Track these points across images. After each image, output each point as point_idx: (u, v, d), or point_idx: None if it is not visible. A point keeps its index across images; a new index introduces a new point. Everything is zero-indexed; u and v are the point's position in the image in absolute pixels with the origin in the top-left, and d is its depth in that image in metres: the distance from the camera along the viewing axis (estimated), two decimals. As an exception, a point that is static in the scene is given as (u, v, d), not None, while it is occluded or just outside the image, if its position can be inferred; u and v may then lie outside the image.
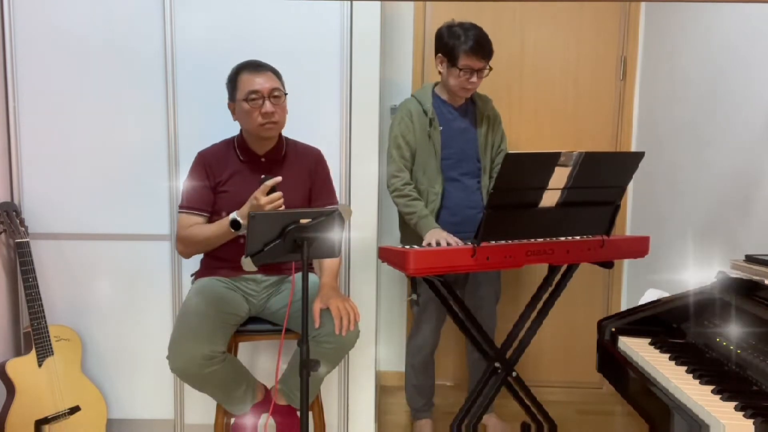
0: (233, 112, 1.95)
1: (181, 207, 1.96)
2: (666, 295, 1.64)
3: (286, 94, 1.93)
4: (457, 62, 2.13)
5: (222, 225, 1.84)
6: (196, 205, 1.94)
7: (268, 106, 1.86)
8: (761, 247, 1.86)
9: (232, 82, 1.92)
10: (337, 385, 2.39)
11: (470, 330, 1.99)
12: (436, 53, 2.22)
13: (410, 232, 2.31)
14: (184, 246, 1.94)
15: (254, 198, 1.72)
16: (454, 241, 2.01)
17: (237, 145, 2.00)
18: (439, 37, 2.20)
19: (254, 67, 1.90)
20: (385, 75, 2.71)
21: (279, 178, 1.74)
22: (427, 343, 2.40)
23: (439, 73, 2.26)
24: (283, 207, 1.74)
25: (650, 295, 1.68)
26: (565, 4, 2.76)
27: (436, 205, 2.24)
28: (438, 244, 2.01)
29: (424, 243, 2.08)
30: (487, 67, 2.17)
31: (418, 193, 2.23)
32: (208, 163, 1.97)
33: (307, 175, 2.04)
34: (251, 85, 1.86)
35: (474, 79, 2.16)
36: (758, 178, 1.91)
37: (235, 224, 1.79)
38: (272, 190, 1.73)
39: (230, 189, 1.95)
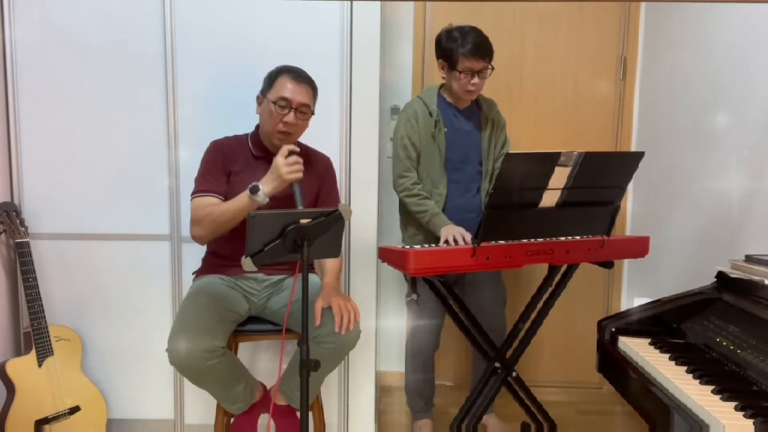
0: (259, 104, 1.96)
1: (195, 193, 1.92)
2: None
3: (313, 113, 1.94)
4: (456, 66, 2.13)
5: (240, 197, 1.81)
6: (212, 187, 1.92)
7: (291, 117, 1.87)
8: (761, 247, 1.86)
9: (271, 79, 1.92)
10: (337, 385, 2.39)
11: (470, 330, 1.99)
12: (437, 59, 2.23)
13: (411, 234, 2.32)
14: (201, 227, 1.87)
15: (274, 162, 1.77)
16: (470, 239, 2.02)
17: (251, 141, 2.00)
18: (438, 42, 2.21)
19: (296, 75, 1.90)
20: (385, 75, 2.71)
21: (295, 147, 1.79)
22: (426, 345, 2.40)
23: (443, 78, 2.26)
24: (301, 174, 1.78)
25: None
26: (565, 4, 2.76)
27: (440, 207, 2.24)
28: (455, 241, 2.02)
29: (441, 240, 2.09)
30: (489, 67, 2.17)
31: None
32: (222, 150, 1.97)
33: (315, 179, 2.04)
34: (285, 90, 1.87)
35: (476, 80, 2.15)
36: (758, 178, 1.91)
37: (254, 189, 1.76)
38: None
39: (240, 181, 1.93)
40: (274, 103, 1.87)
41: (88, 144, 2.28)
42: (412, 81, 2.82)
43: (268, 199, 1.78)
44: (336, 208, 1.62)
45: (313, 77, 2.20)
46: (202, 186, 1.93)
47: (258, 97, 1.96)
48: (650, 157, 2.57)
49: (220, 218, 1.84)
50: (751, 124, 1.95)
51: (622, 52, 2.79)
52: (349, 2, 2.21)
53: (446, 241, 2.06)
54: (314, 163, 2.05)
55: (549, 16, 2.78)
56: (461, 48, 2.12)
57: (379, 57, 2.25)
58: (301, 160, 1.79)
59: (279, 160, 1.77)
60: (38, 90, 2.25)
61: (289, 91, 1.87)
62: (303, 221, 1.58)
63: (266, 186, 1.77)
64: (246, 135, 2.03)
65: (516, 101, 2.83)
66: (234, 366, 1.90)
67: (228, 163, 1.95)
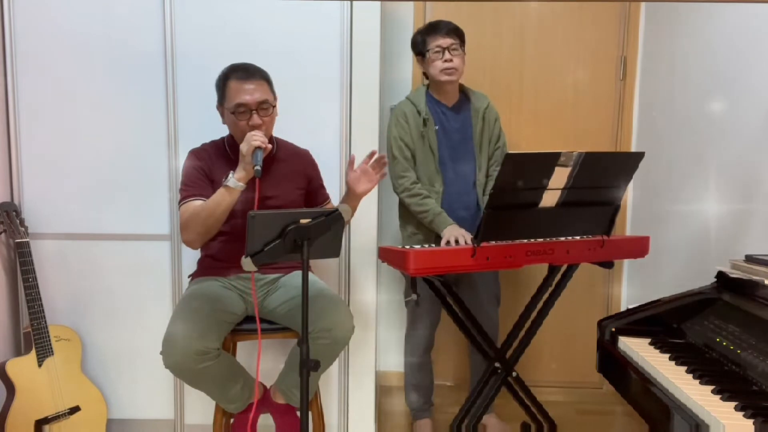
0: (222, 116, 1.95)
1: (180, 201, 1.92)
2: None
3: (274, 106, 1.91)
4: (425, 48, 2.20)
5: (218, 191, 1.81)
6: (196, 192, 1.90)
7: (255, 119, 1.86)
8: (761, 247, 1.86)
9: (221, 87, 1.91)
10: (337, 385, 2.39)
11: (470, 330, 1.99)
12: (416, 57, 2.31)
13: (410, 233, 2.32)
14: (189, 231, 1.85)
15: (240, 150, 1.76)
16: (471, 239, 2.03)
17: (228, 145, 2.00)
18: (412, 44, 2.31)
19: (243, 73, 1.87)
20: (385, 75, 2.71)
21: (269, 145, 1.79)
22: (422, 342, 2.41)
23: (424, 74, 2.32)
24: (264, 141, 1.76)
25: None
26: (565, 4, 2.76)
27: (438, 204, 2.24)
28: (457, 241, 2.02)
29: (443, 241, 2.09)
30: (460, 45, 2.21)
31: None
32: (201, 157, 1.96)
33: (300, 175, 2.05)
34: (239, 96, 1.84)
35: (448, 56, 2.18)
36: (758, 177, 1.91)
37: (226, 178, 1.78)
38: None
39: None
40: (233, 112, 1.86)
41: (88, 144, 2.28)
42: (412, 81, 2.83)
43: (243, 185, 1.78)
44: (336, 208, 1.62)
45: (313, 77, 2.20)
46: (186, 192, 1.91)
47: (217, 107, 1.95)
48: (650, 157, 2.57)
49: (206, 218, 1.82)
50: (750, 123, 1.95)
51: (622, 52, 2.79)
52: (349, 2, 2.21)
53: (447, 242, 2.06)
54: (294, 158, 2.06)
55: (549, 16, 2.78)
56: (425, 32, 2.22)
57: (379, 57, 2.25)
58: (260, 132, 1.80)
59: (243, 146, 1.76)
60: (38, 90, 2.25)
61: (242, 96, 1.84)
62: (303, 221, 1.58)
63: (237, 173, 1.77)
64: (222, 139, 2.02)
65: (516, 101, 2.83)
66: (230, 366, 1.90)
67: (208, 169, 1.95)
